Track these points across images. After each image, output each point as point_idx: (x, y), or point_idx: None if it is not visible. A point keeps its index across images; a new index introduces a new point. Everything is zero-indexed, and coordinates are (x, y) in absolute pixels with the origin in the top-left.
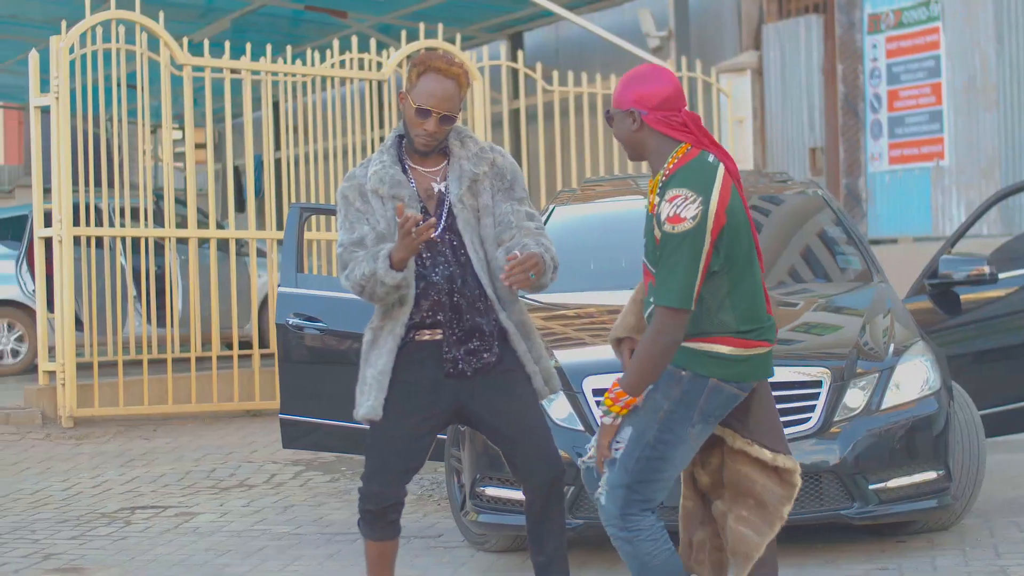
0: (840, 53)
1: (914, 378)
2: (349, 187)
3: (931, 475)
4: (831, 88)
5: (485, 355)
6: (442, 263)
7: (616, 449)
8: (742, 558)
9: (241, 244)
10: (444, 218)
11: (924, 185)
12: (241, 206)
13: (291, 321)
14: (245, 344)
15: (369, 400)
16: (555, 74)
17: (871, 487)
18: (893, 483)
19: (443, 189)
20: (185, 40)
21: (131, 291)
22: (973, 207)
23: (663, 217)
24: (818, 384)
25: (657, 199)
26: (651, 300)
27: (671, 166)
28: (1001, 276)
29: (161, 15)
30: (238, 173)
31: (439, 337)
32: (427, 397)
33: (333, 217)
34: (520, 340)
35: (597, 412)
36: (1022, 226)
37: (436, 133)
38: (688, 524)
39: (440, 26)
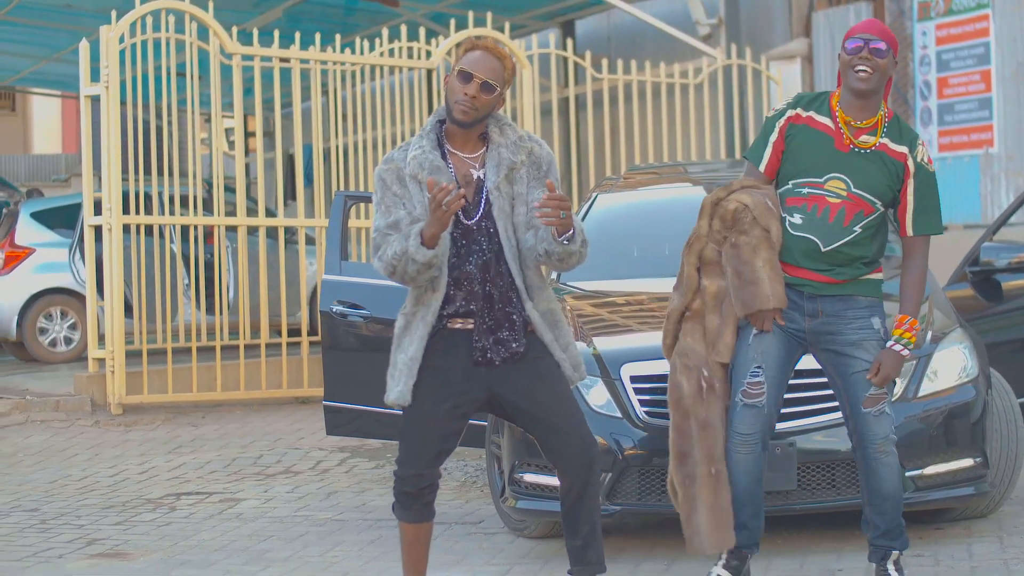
0: None
1: (952, 365)
2: (387, 170)
3: (968, 462)
4: None
5: (514, 345)
6: (476, 251)
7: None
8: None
9: (291, 232)
10: (482, 205)
11: (973, 172)
12: (292, 194)
13: (335, 308)
14: (294, 331)
15: (399, 385)
16: (604, 62)
17: (908, 474)
18: (930, 470)
19: (481, 176)
20: (235, 29)
21: (181, 279)
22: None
23: (923, 158)
24: None
25: (897, 141)
26: (911, 231)
27: (889, 113)
28: None
29: (211, 4)
30: (290, 161)
31: (471, 327)
32: (459, 383)
33: None
34: (546, 330)
35: (635, 400)
36: None
37: (476, 100)
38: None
39: (489, 14)
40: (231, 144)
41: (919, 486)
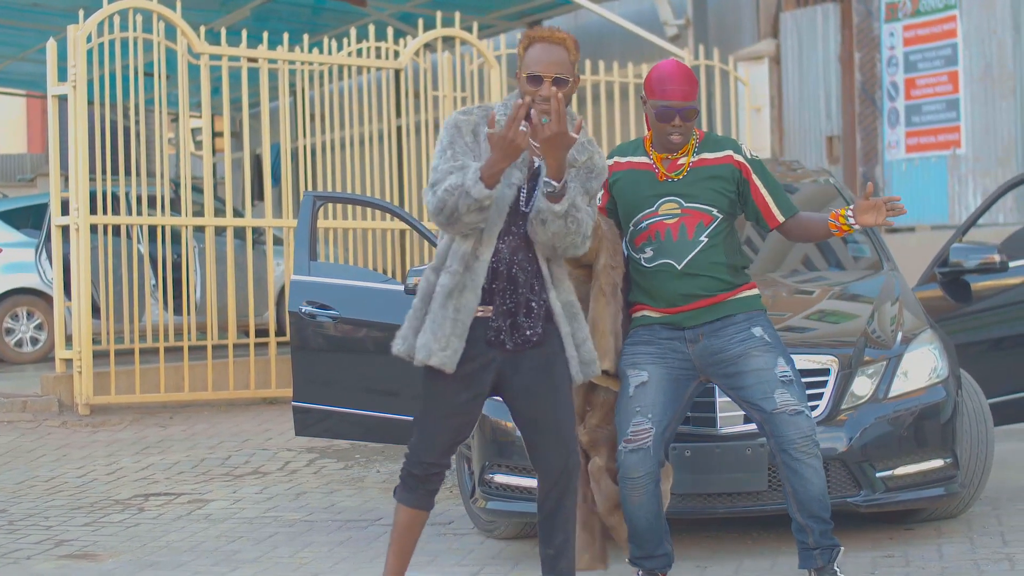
0: (857, 41)
1: (922, 366)
2: (465, 121)
3: (938, 463)
4: (848, 76)
5: (528, 332)
6: (513, 233)
7: (787, 375)
8: (589, 532)
9: (259, 232)
10: (536, 192)
11: (941, 173)
12: (260, 194)
13: (304, 309)
14: (262, 332)
15: (445, 351)
16: None
17: (878, 475)
18: (900, 471)
19: (539, 164)
20: (203, 29)
21: (149, 279)
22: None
23: (749, 153)
24: (826, 372)
25: (714, 150)
26: (779, 216)
27: (700, 135)
28: (1012, 264)
29: (178, 4)
30: (257, 161)
31: (490, 314)
32: (479, 373)
33: (347, 205)
34: (565, 322)
35: None
36: None
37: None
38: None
39: (458, 14)
40: (198, 144)
41: (889, 487)
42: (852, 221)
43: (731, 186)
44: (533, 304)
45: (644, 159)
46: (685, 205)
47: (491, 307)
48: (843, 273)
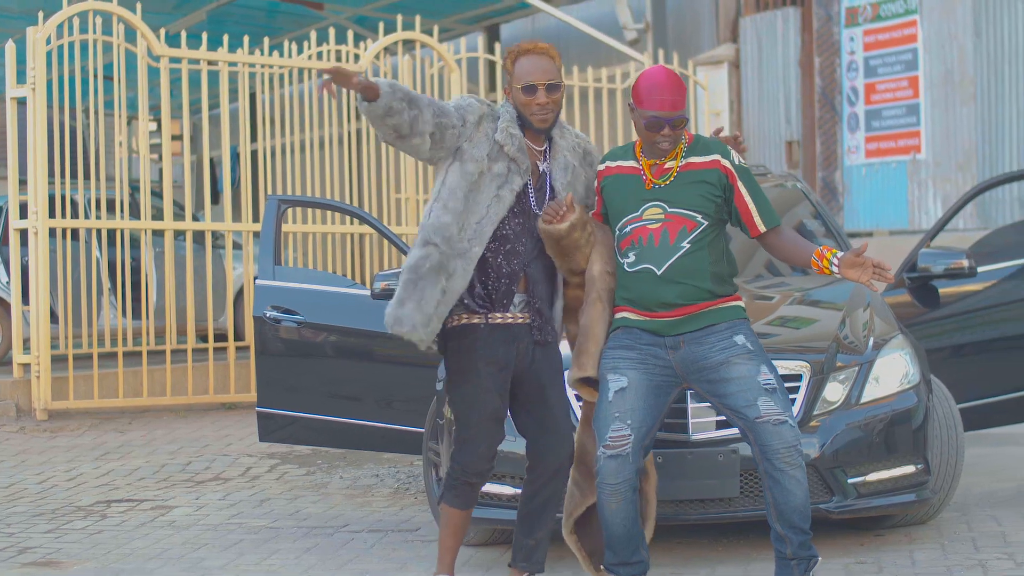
0: (817, 46)
1: (893, 372)
2: (479, 106)
3: (910, 469)
4: (808, 81)
5: (537, 335)
6: (528, 234)
7: (770, 383)
8: (566, 514)
9: (216, 236)
10: (548, 195)
11: (901, 178)
12: (216, 198)
13: (268, 314)
14: (221, 337)
15: (428, 327)
16: None
17: (850, 481)
18: (872, 477)
19: (545, 170)
20: (162, 31)
21: (106, 284)
22: (949, 201)
23: (737, 160)
24: (798, 378)
25: (703, 154)
26: (761, 226)
27: (689, 138)
28: (980, 270)
29: (139, 6)
30: (213, 165)
31: (509, 321)
32: (506, 375)
33: (311, 209)
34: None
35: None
36: (998, 220)
37: (547, 104)
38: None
39: (418, 18)
40: (155, 147)
41: (861, 493)
42: (836, 270)
43: (717, 191)
44: (539, 305)
45: (633, 163)
46: (669, 210)
47: (509, 315)
48: (808, 278)
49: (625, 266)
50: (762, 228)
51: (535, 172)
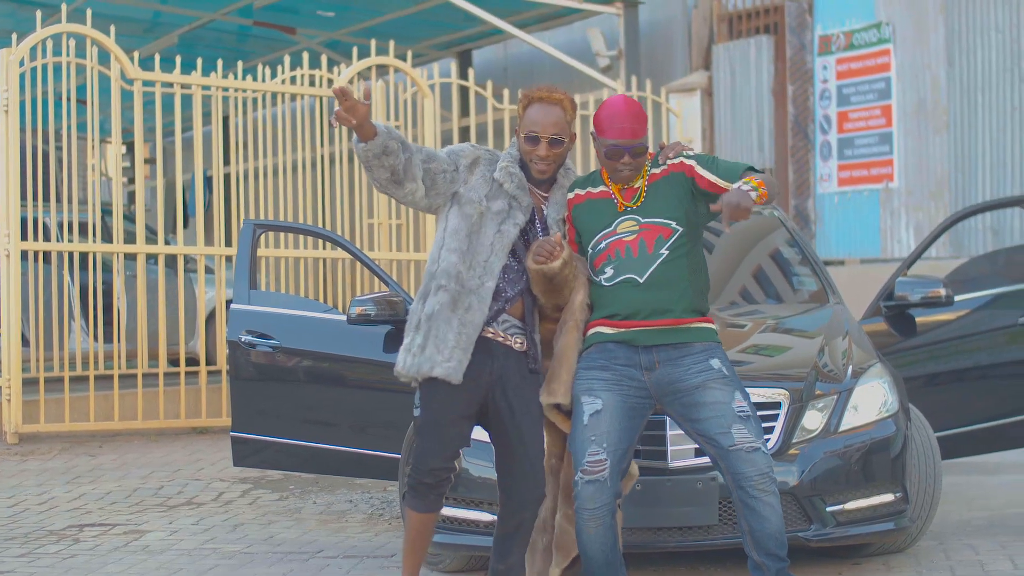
0: (790, 74)
1: (872, 400)
2: (474, 150)
3: (888, 497)
4: (781, 109)
5: (532, 363)
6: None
7: (744, 410)
8: (563, 553)
9: (188, 260)
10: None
11: (873, 207)
12: (185, 221)
13: (243, 338)
14: (192, 361)
15: (449, 362)
16: (505, 92)
17: (829, 509)
18: (851, 505)
19: (547, 213)
20: (136, 54)
21: (77, 307)
22: (922, 229)
23: (689, 153)
24: (777, 406)
25: (666, 162)
26: (739, 183)
27: (650, 155)
28: (958, 299)
29: (112, 29)
30: (183, 189)
31: (489, 335)
32: (476, 382)
33: (285, 234)
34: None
35: None
36: (971, 249)
37: (548, 157)
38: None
39: (392, 43)
40: (126, 170)
41: (840, 521)
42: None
43: (684, 189)
44: (535, 336)
45: (603, 188)
46: (643, 221)
47: (500, 333)
48: (783, 306)
49: (603, 282)
50: (731, 186)
51: (540, 214)
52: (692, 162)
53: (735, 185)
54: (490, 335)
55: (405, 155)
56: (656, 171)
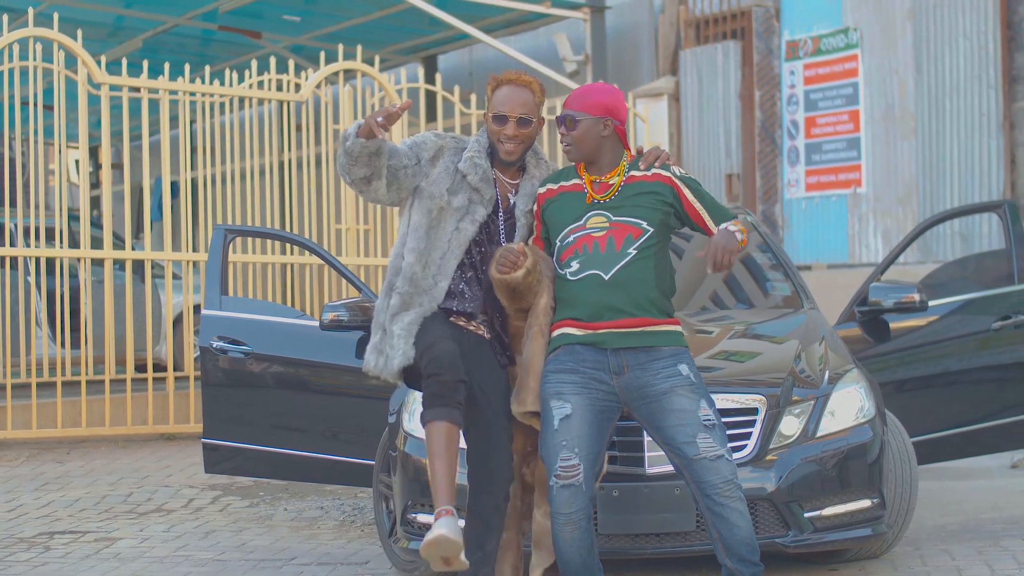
0: (758, 79)
1: (849, 405)
2: (436, 139)
3: (866, 503)
4: (748, 114)
5: (501, 358)
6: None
7: (709, 419)
8: (545, 550)
9: (153, 266)
10: (516, 229)
11: (841, 212)
12: (141, 227)
13: (215, 344)
14: (160, 367)
15: (399, 352)
16: (472, 97)
17: (806, 515)
18: (828, 511)
19: (514, 202)
20: (103, 59)
21: (35, 313)
22: (890, 235)
23: (680, 172)
24: (754, 411)
25: (650, 170)
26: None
27: (631, 156)
28: (932, 304)
29: (79, 34)
30: (140, 194)
31: (462, 324)
32: (459, 342)
33: (256, 239)
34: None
35: None
36: (939, 254)
37: (516, 136)
38: (510, 523)
39: (359, 48)
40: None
41: (817, 527)
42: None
43: (666, 200)
44: (503, 333)
45: (576, 181)
46: (613, 219)
47: (474, 323)
48: (760, 311)
49: (568, 275)
50: (715, 229)
51: (505, 203)
52: (684, 187)
53: (721, 226)
54: (463, 324)
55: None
56: (637, 174)
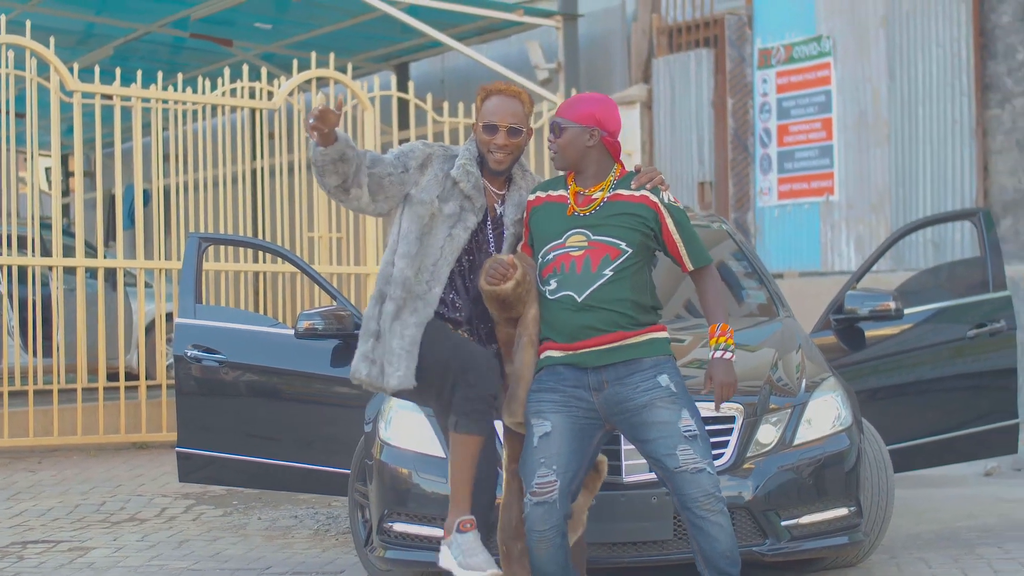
0: (730, 87)
1: (826, 414)
2: (425, 147)
3: (843, 511)
4: (721, 122)
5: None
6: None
7: (691, 429)
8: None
9: (125, 274)
10: (504, 239)
11: (814, 220)
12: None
13: (189, 353)
14: (131, 375)
15: (399, 371)
16: (445, 105)
17: (783, 523)
18: (805, 519)
19: (500, 212)
20: (75, 66)
21: (6, 321)
22: (863, 243)
23: (668, 198)
24: (731, 420)
25: (640, 190)
26: (688, 264)
27: (621, 172)
28: (907, 312)
29: (52, 41)
30: (112, 201)
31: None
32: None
33: (224, 247)
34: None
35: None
36: (912, 262)
37: (506, 146)
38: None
39: (332, 55)
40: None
41: (794, 535)
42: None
43: (647, 223)
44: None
45: (562, 192)
46: (592, 238)
47: (464, 331)
48: (735, 320)
49: (547, 293)
50: (690, 267)
51: (492, 212)
52: (668, 215)
53: (714, 355)
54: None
55: (357, 162)
56: (624, 192)
